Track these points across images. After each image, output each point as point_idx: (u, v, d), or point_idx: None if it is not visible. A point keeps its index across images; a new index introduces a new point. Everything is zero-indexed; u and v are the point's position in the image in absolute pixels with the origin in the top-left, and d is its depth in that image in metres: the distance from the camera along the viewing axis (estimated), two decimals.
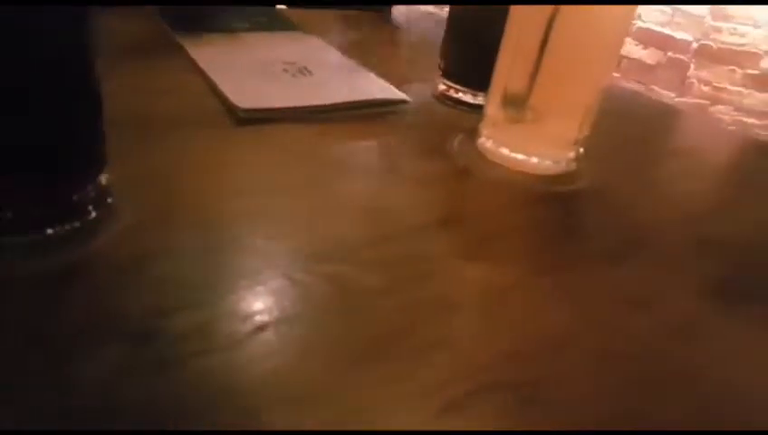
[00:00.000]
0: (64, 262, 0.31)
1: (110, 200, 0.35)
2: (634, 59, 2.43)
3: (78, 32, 0.31)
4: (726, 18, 2.26)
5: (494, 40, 0.48)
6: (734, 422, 0.28)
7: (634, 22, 2.37)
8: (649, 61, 2.43)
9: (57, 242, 0.32)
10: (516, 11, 0.43)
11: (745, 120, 2.37)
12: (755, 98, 2.34)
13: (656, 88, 2.44)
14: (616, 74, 2.48)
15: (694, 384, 0.29)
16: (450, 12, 0.61)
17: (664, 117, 0.72)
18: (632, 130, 0.61)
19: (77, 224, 0.33)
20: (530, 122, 0.43)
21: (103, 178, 0.34)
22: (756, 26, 2.25)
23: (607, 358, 0.30)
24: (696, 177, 0.55)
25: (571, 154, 0.47)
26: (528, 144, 0.45)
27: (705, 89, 2.37)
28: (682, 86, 2.38)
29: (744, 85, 2.34)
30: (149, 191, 0.37)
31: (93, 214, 0.33)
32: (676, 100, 2.39)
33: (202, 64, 0.54)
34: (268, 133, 0.47)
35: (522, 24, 0.42)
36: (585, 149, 0.47)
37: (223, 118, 0.48)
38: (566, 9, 0.40)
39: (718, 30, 2.27)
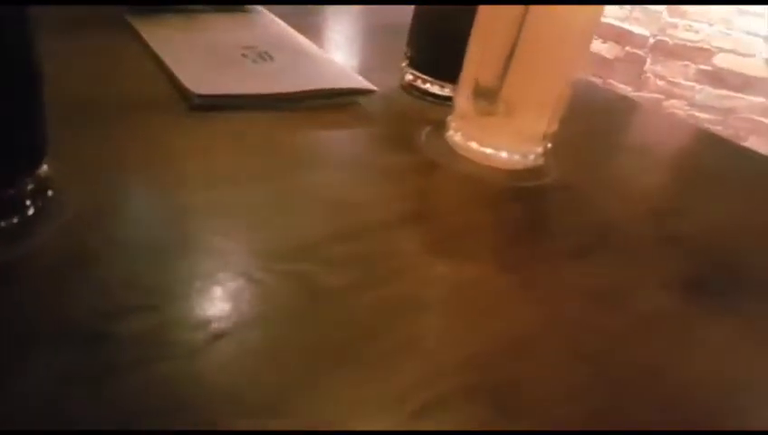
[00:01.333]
0: (0, 261, 0.28)
1: (50, 193, 0.32)
2: (593, 53, 2.46)
3: (12, 8, 0.28)
4: (682, 15, 2.31)
5: (463, 30, 0.46)
6: (704, 419, 0.27)
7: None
8: (608, 55, 2.46)
9: None
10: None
11: (698, 114, 2.44)
12: (708, 93, 2.41)
13: (613, 82, 2.48)
14: None
15: (662, 381, 0.29)
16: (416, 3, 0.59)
17: (624, 110, 0.72)
18: (595, 124, 0.61)
19: (14, 220, 0.30)
20: (500, 116, 0.41)
21: (43, 170, 0.31)
22: (710, 24, 2.30)
23: (576, 356, 0.30)
24: (659, 171, 0.55)
25: (540, 149, 0.46)
26: (497, 138, 0.44)
27: (661, 83, 2.42)
28: (638, 80, 2.43)
29: (696, 81, 2.40)
30: (94, 183, 0.35)
31: (32, 209, 0.31)
32: (633, 94, 2.44)
33: (154, 46, 0.51)
34: (224, 121, 0.44)
35: (493, 16, 0.40)
36: (553, 145, 0.47)
37: (176, 104, 0.45)
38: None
39: (674, 26, 2.32)
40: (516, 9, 0.38)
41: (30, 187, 0.30)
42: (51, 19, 0.51)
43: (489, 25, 0.41)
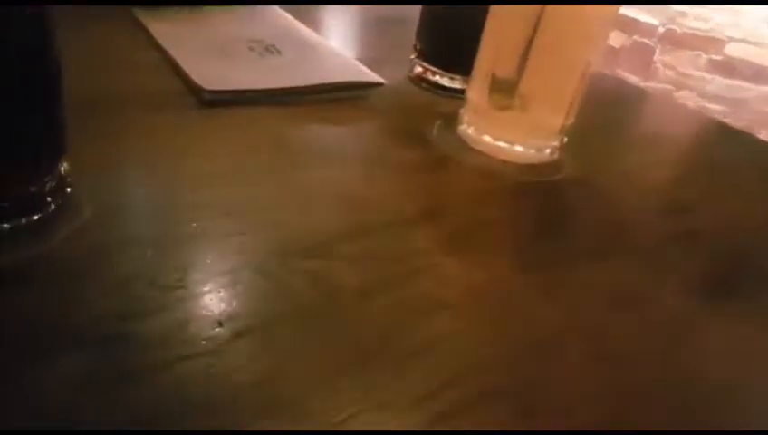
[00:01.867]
0: (20, 259, 0.27)
1: (68, 190, 0.31)
2: None
3: (34, 8, 0.27)
4: (692, 2, 2.28)
5: (473, 21, 0.45)
6: (725, 423, 0.27)
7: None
8: (615, 44, 2.43)
9: (12, 237, 0.28)
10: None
11: (708, 105, 2.41)
12: (719, 84, 2.38)
13: (621, 72, 2.45)
14: None
15: (683, 385, 0.28)
16: None
17: (636, 101, 0.71)
18: (607, 115, 0.60)
19: (35, 217, 0.29)
20: (516, 110, 0.40)
21: (63, 168, 0.31)
22: (720, 12, 2.27)
23: (594, 360, 0.29)
24: (674, 164, 0.54)
25: (556, 143, 0.45)
26: (512, 132, 0.43)
27: (670, 74, 2.39)
28: (647, 71, 2.40)
29: (707, 71, 2.37)
30: (110, 180, 0.34)
31: (52, 206, 0.30)
32: (641, 84, 2.41)
33: (162, 41, 0.50)
34: (234, 117, 0.44)
35: (509, 10, 0.39)
36: (570, 140, 0.46)
37: (186, 99, 0.44)
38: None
39: (683, 14, 2.29)
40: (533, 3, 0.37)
41: (50, 184, 0.30)
42: (59, 14, 0.50)
43: (505, 19, 0.40)
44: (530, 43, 0.37)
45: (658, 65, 2.38)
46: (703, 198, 0.47)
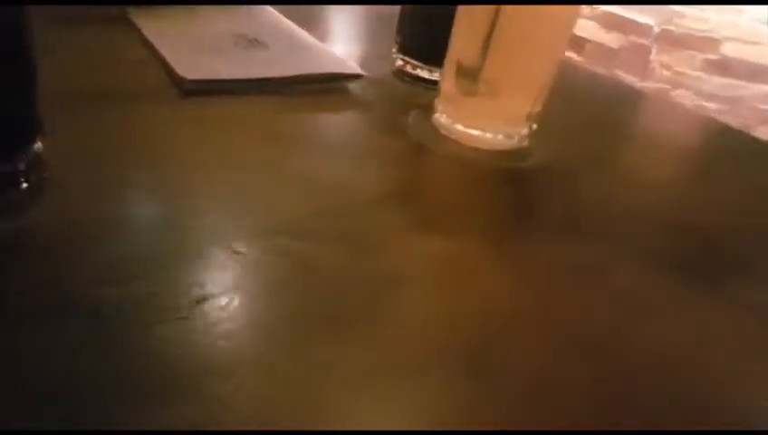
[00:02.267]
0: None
1: (45, 174, 0.33)
2: (598, 43, 2.45)
3: None
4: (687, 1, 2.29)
5: (451, 15, 0.47)
6: (675, 398, 0.28)
7: (599, 6, 2.39)
8: (613, 45, 2.45)
9: None
10: None
11: (705, 104, 2.42)
12: (715, 83, 2.39)
13: (619, 72, 2.46)
14: (580, 58, 2.50)
15: (640, 355, 0.30)
16: None
17: (623, 100, 0.73)
18: (590, 112, 0.61)
19: (8, 195, 0.31)
20: (483, 95, 0.42)
21: (37, 147, 0.33)
22: (717, 12, 2.29)
23: (549, 325, 0.30)
24: (648, 156, 0.55)
25: (524, 130, 0.47)
26: (482, 119, 0.45)
27: (666, 73, 2.41)
28: (644, 70, 2.41)
29: (703, 70, 2.38)
30: (88, 164, 0.36)
31: (25, 184, 0.32)
32: (639, 84, 2.43)
33: (149, 36, 0.53)
34: (216, 106, 0.46)
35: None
36: (540, 129, 0.47)
37: (168, 90, 0.46)
38: None
39: (681, 15, 2.31)
40: None
41: (23, 164, 0.32)
42: (52, 14, 0.53)
43: (470, 7, 0.42)
44: (492, 28, 0.39)
45: (655, 65, 2.40)
46: (674, 187, 0.49)
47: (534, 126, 0.47)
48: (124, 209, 0.33)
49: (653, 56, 2.38)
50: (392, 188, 0.41)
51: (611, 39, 2.44)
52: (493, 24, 0.39)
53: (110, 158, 0.37)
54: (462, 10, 0.43)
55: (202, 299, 0.27)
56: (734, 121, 2.45)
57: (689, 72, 2.39)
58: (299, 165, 0.41)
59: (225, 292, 0.28)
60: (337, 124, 0.49)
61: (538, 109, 0.46)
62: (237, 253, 0.31)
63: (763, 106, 2.40)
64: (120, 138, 0.40)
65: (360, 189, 0.39)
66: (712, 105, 2.42)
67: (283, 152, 0.42)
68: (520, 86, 0.44)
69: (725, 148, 0.59)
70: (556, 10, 0.42)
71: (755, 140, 0.61)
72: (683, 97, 2.43)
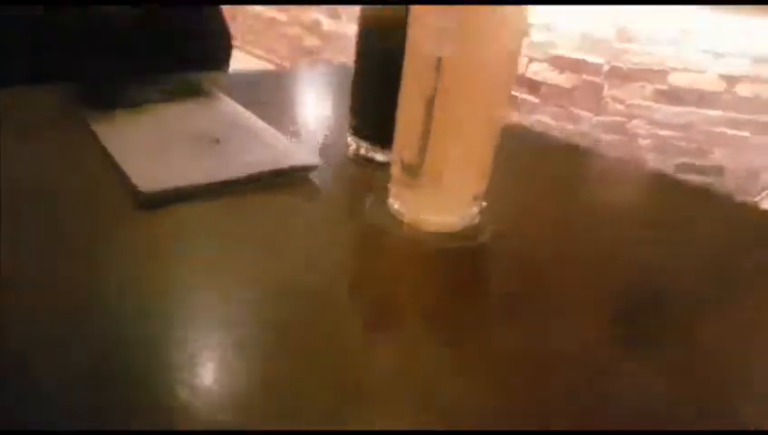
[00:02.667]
0: None
1: None
2: (553, 84, 2.54)
3: None
4: (631, 40, 2.40)
5: (395, 97, 0.49)
6: None
7: (550, 51, 2.49)
8: (566, 85, 2.54)
9: None
10: (405, 79, 0.45)
11: (660, 132, 2.51)
12: (666, 112, 2.48)
13: (575, 109, 2.55)
14: (536, 99, 2.59)
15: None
16: (355, 69, 0.62)
17: (564, 156, 0.76)
18: (532, 172, 0.64)
19: None
20: (428, 186, 0.44)
21: None
22: (659, 46, 2.40)
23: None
24: (595, 218, 0.57)
25: (474, 209, 0.49)
26: (431, 205, 0.47)
27: (620, 107, 2.50)
28: (598, 106, 2.50)
29: (654, 100, 2.48)
30: (40, 282, 0.37)
31: None
32: (595, 119, 2.51)
33: (104, 142, 0.54)
34: (172, 214, 0.47)
35: (409, 92, 0.44)
36: (490, 201, 0.49)
37: (125, 201, 0.47)
38: (448, 65, 0.41)
39: (625, 51, 2.41)
40: (428, 87, 0.41)
41: None
42: (15, 119, 0.54)
43: (406, 104, 0.44)
44: (428, 124, 0.42)
45: (608, 100, 2.49)
46: (620, 252, 0.51)
47: (484, 203, 0.49)
48: (76, 332, 0.34)
49: (606, 92, 2.48)
50: (346, 281, 0.42)
51: (564, 79, 2.54)
52: (428, 119, 0.42)
53: (60, 279, 0.38)
54: (400, 107, 0.46)
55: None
56: (689, 146, 2.54)
57: (641, 102, 2.49)
58: (258, 266, 0.42)
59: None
60: (293, 217, 0.50)
61: (483, 187, 0.48)
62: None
63: (714, 129, 2.50)
64: (69, 256, 0.41)
65: (314, 284, 0.41)
66: (666, 132, 2.51)
67: (237, 255, 0.43)
68: (462, 172, 0.46)
69: (677, 208, 0.62)
70: (490, 87, 0.44)
71: (706, 194, 0.64)
72: (638, 127, 2.52)
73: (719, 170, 2.56)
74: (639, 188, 0.68)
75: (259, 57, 3.93)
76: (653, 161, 2.56)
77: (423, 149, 0.42)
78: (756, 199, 2.59)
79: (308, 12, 3.69)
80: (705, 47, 2.38)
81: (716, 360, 0.39)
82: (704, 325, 0.42)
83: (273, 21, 3.91)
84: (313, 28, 3.69)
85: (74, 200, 0.47)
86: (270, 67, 3.84)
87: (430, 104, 0.41)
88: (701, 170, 2.56)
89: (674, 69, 2.42)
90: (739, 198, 2.52)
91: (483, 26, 0.40)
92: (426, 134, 0.41)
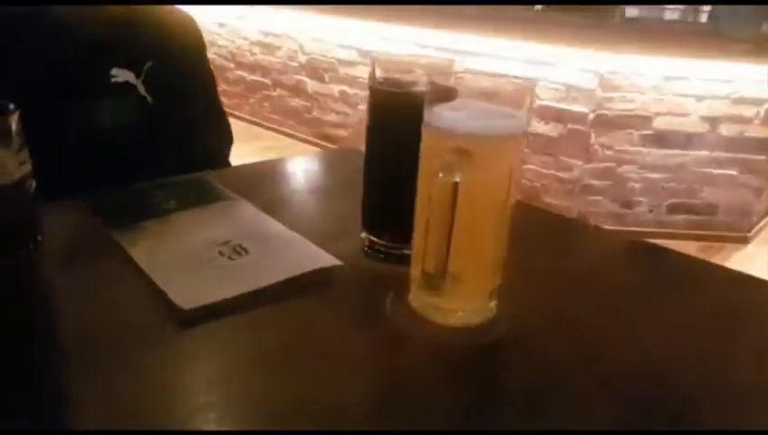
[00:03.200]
0: None
1: None
2: (539, 134, 2.62)
3: None
4: (614, 88, 2.49)
5: (408, 192, 0.53)
6: None
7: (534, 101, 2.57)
8: (552, 134, 2.62)
9: None
10: (421, 199, 0.49)
11: (650, 175, 2.58)
12: (655, 155, 2.56)
13: (563, 157, 2.62)
14: (526, 150, 2.66)
15: None
16: (364, 170, 0.66)
17: (561, 232, 0.80)
18: (536, 254, 0.67)
19: None
20: (449, 289, 0.48)
21: None
22: (642, 93, 2.49)
23: None
24: (603, 303, 0.60)
25: (491, 303, 0.53)
26: (451, 304, 0.51)
27: (609, 153, 2.57)
28: (587, 153, 2.58)
29: (642, 145, 2.55)
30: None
31: None
32: (585, 166, 2.58)
33: (141, 263, 0.58)
34: (213, 334, 0.50)
35: (426, 211, 0.48)
36: (504, 296, 0.53)
37: (168, 322, 0.51)
38: (465, 185, 0.46)
39: (609, 99, 2.50)
40: (446, 207, 0.45)
41: None
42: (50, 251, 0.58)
43: (424, 222, 0.48)
44: (448, 240, 0.46)
45: (596, 147, 2.56)
46: (628, 338, 0.54)
47: (495, 301, 0.53)
48: None
49: (593, 140, 2.55)
50: (374, 392, 0.45)
51: (550, 129, 2.62)
52: (448, 234, 0.46)
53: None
54: (418, 222, 0.50)
55: None
56: (679, 187, 2.60)
57: (630, 148, 2.56)
58: (290, 384, 0.45)
59: None
60: (319, 326, 0.53)
61: (498, 281, 0.52)
62: None
63: (703, 169, 2.57)
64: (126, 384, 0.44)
65: (350, 399, 0.44)
66: (657, 175, 2.58)
67: (273, 373, 0.47)
68: (481, 271, 0.50)
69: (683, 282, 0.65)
70: (502, 197, 0.48)
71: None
72: (629, 171, 2.59)
73: (711, 209, 2.62)
74: (639, 266, 0.71)
75: (248, 121, 4.03)
76: (644, 204, 2.62)
77: (444, 260, 0.46)
78: (749, 235, 2.65)
79: (289, 75, 3.81)
80: (686, 91, 2.47)
81: None
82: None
83: (256, 84, 4.02)
84: (298, 89, 3.80)
85: (122, 333, 0.50)
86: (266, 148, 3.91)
87: (448, 224, 0.45)
88: (693, 210, 2.62)
89: (658, 114, 2.50)
90: (732, 233, 2.57)
91: (494, 149, 0.45)
92: (446, 247, 0.45)
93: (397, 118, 0.59)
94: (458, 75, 0.54)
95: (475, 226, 0.47)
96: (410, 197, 0.53)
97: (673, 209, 2.63)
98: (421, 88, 0.56)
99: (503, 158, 0.46)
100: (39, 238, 0.32)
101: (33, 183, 0.31)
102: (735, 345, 0.55)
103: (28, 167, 0.30)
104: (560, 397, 0.45)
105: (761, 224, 2.76)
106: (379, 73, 0.61)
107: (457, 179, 0.44)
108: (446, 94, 0.48)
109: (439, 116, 0.47)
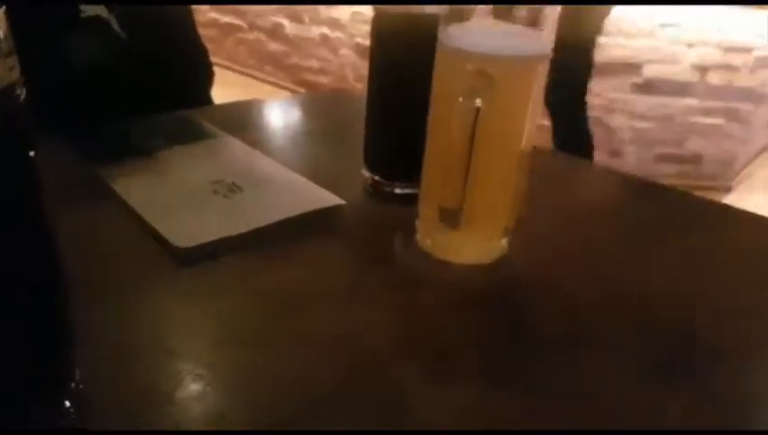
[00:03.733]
0: None
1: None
2: None
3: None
4: (607, 34, 2.44)
5: (416, 127, 0.49)
6: None
7: None
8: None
9: None
10: (435, 128, 0.46)
11: (637, 125, 2.56)
12: (644, 103, 2.53)
13: None
14: None
15: None
16: (367, 104, 0.63)
17: (574, 174, 0.77)
18: (547, 195, 0.65)
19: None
20: (464, 226, 0.45)
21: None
22: (635, 39, 2.44)
23: None
24: (622, 240, 0.58)
25: (504, 241, 0.50)
26: (465, 242, 0.48)
27: (598, 101, 2.54)
28: None
29: (632, 92, 2.53)
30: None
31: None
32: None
33: (133, 204, 0.54)
34: (211, 272, 0.47)
35: (442, 141, 0.45)
36: (518, 232, 0.50)
37: (164, 260, 0.48)
38: (485, 110, 0.42)
39: (599, 46, 2.45)
40: (464, 137, 0.42)
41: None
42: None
43: (439, 153, 0.45)
44: (466, 174, 0.42)
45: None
46: (643, 273, 0.52)
47: (510, 235, 0.50)
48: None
49: None
50: (398, 336, 0.43)
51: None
52: (466, 167, 0.42)
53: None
54: (431, 155, 0.47)
55: None
56: (668, 137, 2.59)
57: (621, 95, 2.53)
58: (302, 326, 0.42)
59: None
60: (327, 268, 0.50)
61: (514, 219, 0.49)
62: None
63: (691, 118, 2.56)
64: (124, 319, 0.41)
65: (366, 343, 0.41)
66: (645, 124, 2.56)
67: (278, 315, 0.44)
68: (499, 209, 0.47)
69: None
70: (522, 130, 0.45)
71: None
72: (619, 120, 2.57)
73: (696, 158, 2.62)
74: (657, 206, 0.69)
75: (221, 66, 3.90)
76: (633, 154, 2.61)
77: (462, 195, 0.43)
78: (731, 184, 2.66)
79: (267, 16, 3.65)
80: (679, 38, 2.43)
81: None
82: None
83: (231, 26, 3.86)
84: (276, 32, 3.66)
85: (116, 264, 0.47)
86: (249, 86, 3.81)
87: (468, 152, 0.42)
88: (678, 159, 2.62)
89: (650, 61, 2.47)
90: (715, 183, 2.58)
91: (518, 72, 0.41)
92: (464, 181, 0.42)
93: (405, 43, 0.55)
94: None
95: (496, 157, 0.44)
96: (420, 131, 0.50)
97: (660, 159, 2.63)
98: (431, 10, 0.52)
99: (526, 82, 0.43)
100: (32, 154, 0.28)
101: (24, 92, 0.27)
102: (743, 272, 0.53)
103: (17, 73, 0.26)
104: (585, 329, 0.43)
105: (743, 172, 2.77)
106: None
107: (479, 104, 0.40)
108: (462, 13, 0.44)
109: (457, 36, 0.43)
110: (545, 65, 0.44)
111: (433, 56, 0.46)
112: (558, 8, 0.44)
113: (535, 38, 0.44)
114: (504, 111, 0.42)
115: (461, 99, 0.41)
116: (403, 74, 0.56)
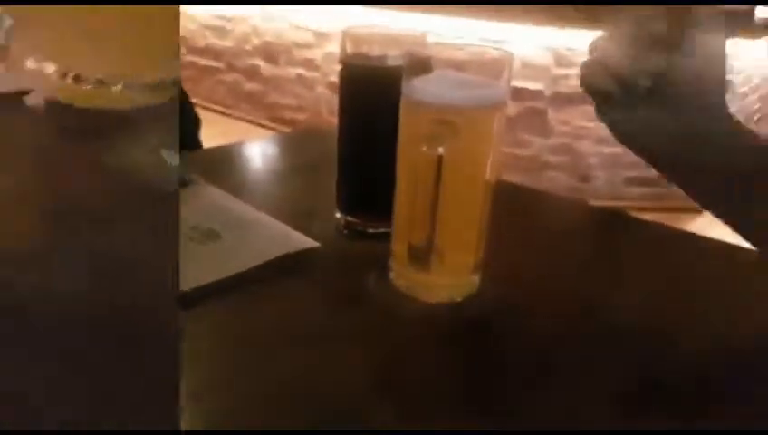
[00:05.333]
0: None
1: None
2: None
3: None
4: (569, 65, 2.52)
5: (385, 172, 0.52)
6: None
7: None
8: (510, 112, 2.64)
9: None
10: (403, 173, 0.48)
11: (606, 150, 2.63)
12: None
13: (522, 134, 2.65)
14: None
15: None
16: (338, 150, 0.65)
17: (540, 206, 0.80)
18: (513, 227, 0.67)
19: None
20: (435, 264, 0.47)
21: None
22: None
23: None
24: (590, 270, 0.61)
25: (475, 277, 0.52)
26: (436, 279, 0.50)
27: (566, 129, 2.61)
28: (546, 130, 2.61)
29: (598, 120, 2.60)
30: None
31: None
32: (544, 142, 2.62)
33: None
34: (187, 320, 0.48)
35: (409, 186, 0.47)
36: (486, 267, 0.53)
37: None
38: (449, 157, 0.45)
39: (564, 76, 2.53)
40: (430, 181, 0.45)
41: None
42: None
43: (407, 196, 0.47)
44: (433, 214, 0.45)
45: (554, 123, 2.60)
46: (612, 303, 0.54)
47: (480, 271, 0.52)
48: None
49: (550, 116, 2.59)
50: (371, 376, 0.44)
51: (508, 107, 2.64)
52: (433, 208, 0.45)
53: None
54: (400, 198, 0.49)
55: None
56: (636, 160, 2.66)
57: (587, 124, 2.60)
58: (277, 374, 0.43)
59: None
60: (300, 311, 0.51)
61: (482, 254, 0.52)
62: None
63: None
64: None
65: (342, 387, 0.42)
66: (614, 150, 2.63)
67: (258, 362, 0.45)
68: (466, 244, 0.49)
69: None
70: (486, 170, 0.47)
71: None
72: (587, 146, 2.64)
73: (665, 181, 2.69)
74: (624, 236, 0.72)
75: (200, 106, 3.92)
76: (602, 178, 2.68)
77: (431, 236, 0.45)
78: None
79: (243, 58, 3.71)
80: None
81: None
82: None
83: (208, 68, 3.91)
84: (252, 73, 3.72)
85: None
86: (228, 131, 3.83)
87: (434, 195, 0.44)
88: (647, 182, 2.69)
89: None
90: (686, 204, 2.64)
91: (478, 121, 0.44)
92: (431, 221, 0.44)
93: (371, 93, 0.57)
94: (433, 47, 0.53)
95: (460, 198, 0.47)
96: (388, 174, 0.52)
97: (629, 183, 2.69)
98: (394, 62, 0.55)
99: (487, 129, 0.46)
100: None
101: None
102: (703, 295, 0.55)
103: None
104: (557, 361, 0.45)
105: None
106: (350, 48, 0.59)
107: (441, 152, 0.43)
108: (423, 66, 0.47)
109: (419, 88, 0.46)
110: (504, 113, 0.47)
111: (398, 105, 0.49)
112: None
113: (495, 87, 0.47)
114: (467, 158, 0.45)
115: (424, 147, 0.43)
116: (371, 123, 0.58)
